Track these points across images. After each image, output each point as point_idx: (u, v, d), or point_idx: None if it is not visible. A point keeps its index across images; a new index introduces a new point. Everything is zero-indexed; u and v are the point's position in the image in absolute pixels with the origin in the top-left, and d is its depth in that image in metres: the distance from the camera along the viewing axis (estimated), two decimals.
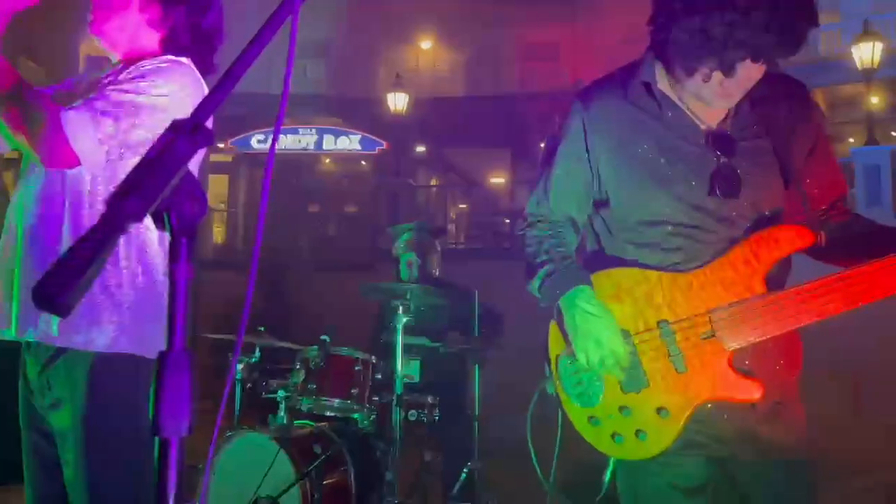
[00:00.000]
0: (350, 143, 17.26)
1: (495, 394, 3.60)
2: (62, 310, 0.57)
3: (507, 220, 16.84)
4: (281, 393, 3.15)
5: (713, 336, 1.40)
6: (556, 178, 1.60)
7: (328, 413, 3.17)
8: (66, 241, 1.47)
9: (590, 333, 1.46)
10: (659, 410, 1.44)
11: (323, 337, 3.10)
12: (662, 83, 1.48)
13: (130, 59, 1.61)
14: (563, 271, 1.54)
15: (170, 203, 0.67)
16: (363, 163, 18.63)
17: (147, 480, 1.42)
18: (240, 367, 3.41)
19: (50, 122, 1.39)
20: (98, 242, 0.60)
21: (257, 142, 16.40)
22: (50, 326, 1.46)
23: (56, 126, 1.39)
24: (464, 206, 19.63)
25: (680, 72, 1.42)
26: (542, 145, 13.87)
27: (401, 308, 3.05)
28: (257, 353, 3.41)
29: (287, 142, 16.92)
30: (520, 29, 16.29)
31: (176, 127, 0.69)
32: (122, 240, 1.48)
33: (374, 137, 17.01)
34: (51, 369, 1.51)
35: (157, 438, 0.67)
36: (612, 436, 1.48)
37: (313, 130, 17.10)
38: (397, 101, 14.69)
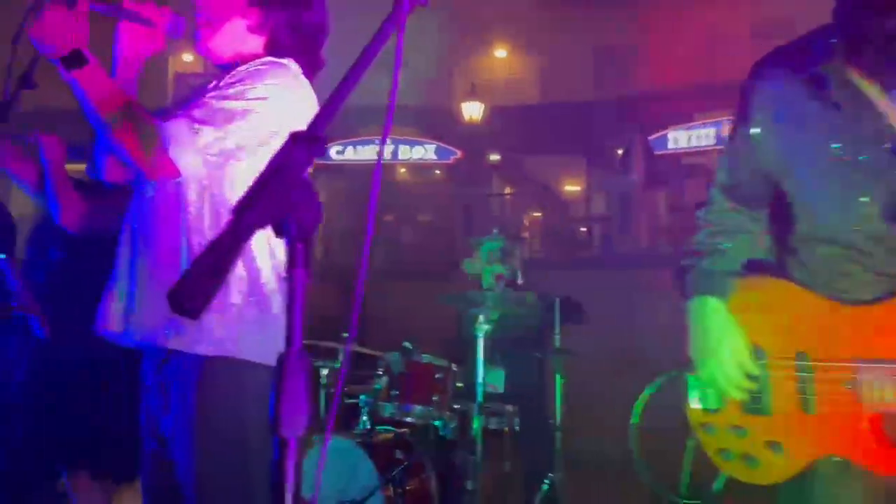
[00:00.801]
0: (425, 152, 17.45)
1: (576, 404, 3.56)
2: (194, 314, 0.60)
3: (584, 229, 16.66)
4: (363, 398, 3.20)
5: (854, 388, 1.24)
6: (727, 162, 1.52)
7: (409, 419, 3.20)
8: (182, 249, 1.53)
9: (707, 349, 1.39)
10: (772, 444, 1.34)
11: (405, 344, 3.14)
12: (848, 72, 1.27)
13: (233, 65, 1.62)
14: (697, 272, 1.45)
15: (288, 211, 0.70)
16: (437, 172, 18.78)
17: (253, 482, 1.47)
18: (324, 372, 3.49)
19: (151, 135, 1.45)
20: (225, 251, 0.63)
21: (336, 153, 16.75)
22: (163, 331, 1.52)
23: (157, 139, 1.45)
24: (538, 214, 19.52)
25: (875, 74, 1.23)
26: (620, 152, 13.67)
27: (482, 317, 3.06)
28: (340, 359, 3.48)
29: (364, 152, 17.23)
30: (596, 35, 16.10)
31: (294, 138, 0.71)
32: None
33: (448, 147, 17.14)
34: (164, 372, 1.57)
35: (275, 438, 0.69)
36: (721, 450, 1.42)
37: (389, 140, 17.36)
38: (472, 111, 14.76)
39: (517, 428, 3.23)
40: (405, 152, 17.98)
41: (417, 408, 3.08)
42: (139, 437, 1.66)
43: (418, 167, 18.36)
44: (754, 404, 1.37)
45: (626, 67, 16.12)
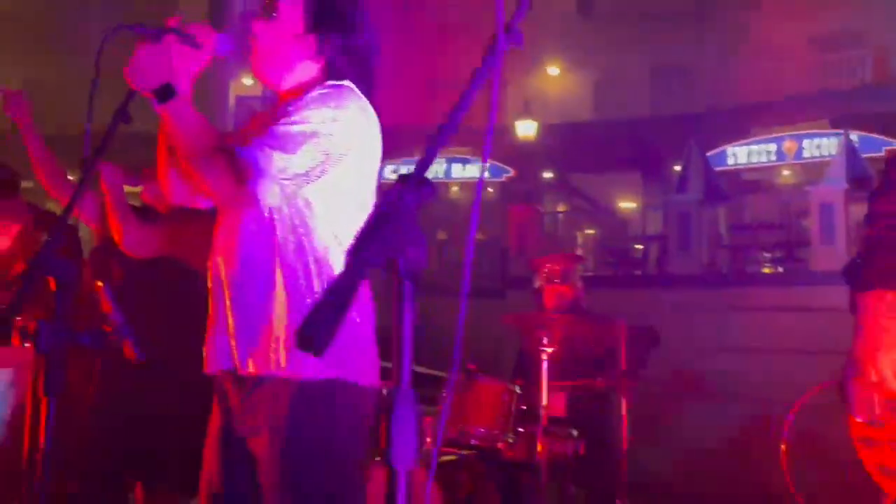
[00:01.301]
0: (478, 170, 17.53)
1: (640, 427, 3.52)
2: (320, 351, 0.63)
3: (640, 247, 16.42)
4: (427, 419, 3.22)
5: None
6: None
7: (473, 441, 3.20)
8: (274, 277, 1.57)
9: (883, 345, 1.33)
10: None
11: (469, 365, 3.15)
12: None
13: (294, 92, 1.68)
14: (876, 264, 1.37)
15: (398, 250, 0.73)
16: (490, 190, 18.83)
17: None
18: (384, 392, 3.52)
19: (235, 165, 1.51)
20: (345, 289, 0.66)
21: (391, 171, 16.95)
22: (257, 356, 1.57)
23: (240, 169, 1.51)
24: (591, 231, 19.34)
25: None
26: (677, 168, 13.47)
27: (546, 339, 3.05)
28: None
29: None
30: (650, 51, 15.97)
31: (403, 180, 0.74)
32: (316, 271, 1.58)
33: (501, 164, 17.18)
34: (254, 397, 1.60)
35: (390, 468, 0.71)
36: (883, 467, 1.35)
37: (442, 159, 17.53)
38: (526, 129, 14.78)
39: (581, 452, 3.20)
40: (458, 170, 18.10)
41: (481, 430, 3.08)
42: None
43: (471, 184, 18.44)
44: None
45: (682, 84, 15.93)
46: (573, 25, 16.87)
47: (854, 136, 11.37)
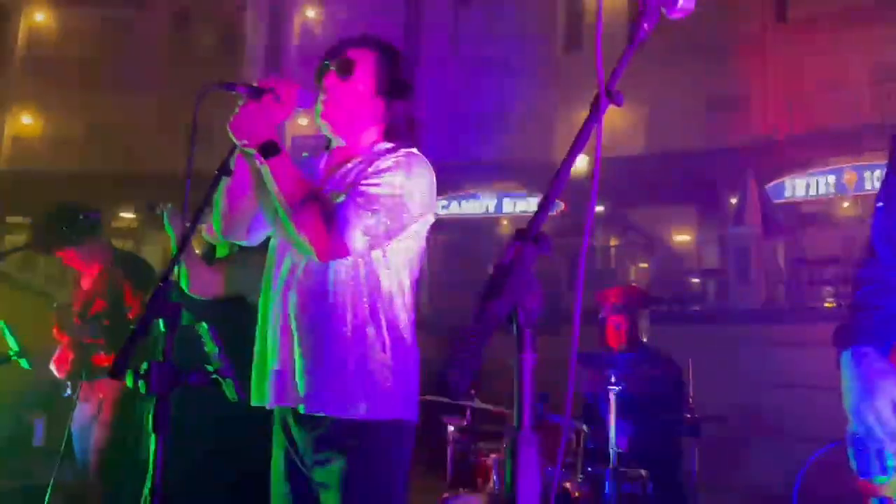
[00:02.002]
0: (528, 205, 17.57)
1: (708, 465, 3.46)
2: (458, 393, 0.69)
3: (696, 280, 16.16)
4: (494, 456, 3.24)
5: None
6: (877, 216, 1.54)
7: None
8: (348, 325, 1.66)
9: (862, 395, 1.36)
10: None
11: (538, 403, 3.16)
12: None
13: (360, 150, 1.80)
14: (853, 325, 1.43)
15: (518, 300, 0.78)
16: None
17: None
18: (450, 428, 3.55)
19: (329, 219, 1.61)
20: (479, 337, 0.71)
21: (441, 207, 17.13)
22: (323, 396, 1.65)
23: (334, 223, 1.60)
24: (644, 265, 19.13)
25: None
26: (733, 201, 13.30)
27: (613, 377, 3.05)
28: (469, 416, 3.54)
29: (469, 207, 17.55)
30: (705, 80, 15.87)
31: (521, 235, 0.80)
32: (380, 317, 1.67)
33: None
34: (318, 434, 1.68)
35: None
36: None
37: (493, 194, 17.63)
38: (578, 164, 14.77)
39: (650, 491, 3.17)
40: (509, 206, 18.17)
41: (548, 468, 3.08)
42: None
43: (521, 219, 18.48)
44: None
45: (738, 115, 15.77)
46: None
47: None
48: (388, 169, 1.68)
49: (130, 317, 3.27)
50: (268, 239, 1.87)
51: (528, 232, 0.79)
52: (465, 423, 3.53)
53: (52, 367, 3.29)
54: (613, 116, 18.95)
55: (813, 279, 12.15)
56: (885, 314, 1.44)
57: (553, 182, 0.86)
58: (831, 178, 13.17)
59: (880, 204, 1.55)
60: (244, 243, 1.89)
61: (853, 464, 1.45)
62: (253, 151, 1.66)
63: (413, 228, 1.73)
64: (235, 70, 18.64)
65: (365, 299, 1.68)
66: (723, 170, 14.56)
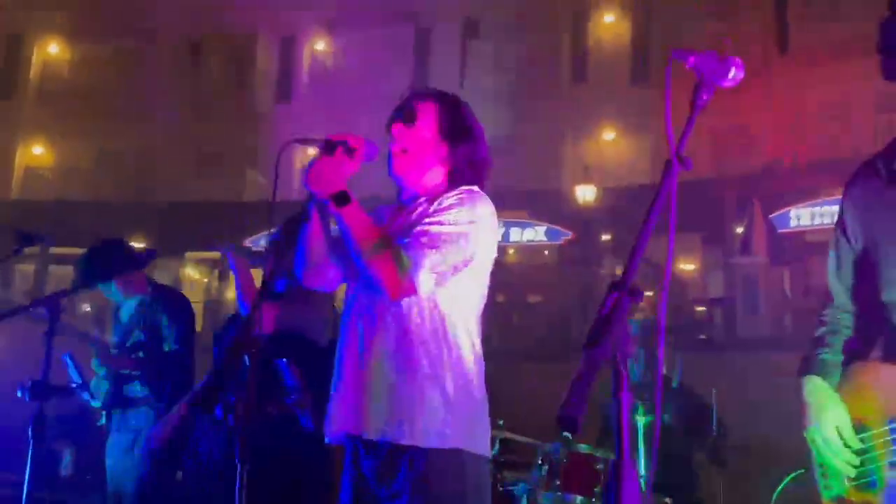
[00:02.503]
0: (536, 234, 17.71)
1: (730, 493, 3.54)
2: (577, 430, 0.79)
3: (702, 308, 16.23)
4: (522, 486, 3.31)
5: None
6: (830, 263, 1.77)
7: None
8: (415, 358, 1.77)
9: (811, 418, 1.61)
10: None
11: (565, 434, 3.24)
12: None
13: (424, 191, 1.93)
14: (809, 358, 1.69)
15: (618, 347, 0.89)
16: (546, 252, 18.95)
17: None
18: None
19: (399, 261, 1.72)
20: (587, 380, 0.82)
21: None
22: (395, 427, 1.74)
23: (404, 264, 1.72)
24: (650, 293, 19.21)
25: None
26: (739, 230, 13.44)
27: (641, 408, 3.14)
28: (497, 446, 3.61)
29: None
30: (709, 114, 16.07)
31: (617, 287, 0.91)
32: (447, 351, 1.78)
33: (559, 228, 17.32)
34: (390, 463, 1.77)
35: None
36: None
37: (501, 223, 17.80)
38: (586, 193, 14.96)
39: None
40: (516, 234, 18.30)
41: (579, 498, 3.15)
42: None
43: (528, 248, 18.59)
44: (868, 478, 1.49)
45: (743, 144, 15.96)
46: (629, 91, 17.16)
47: None
48: (450, 206, 1.80)
49: (166, 349, 3.38)
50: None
51: (624, 284, 0.90)
52: (494, 454, 3.60)
53: (87, 396, 3.38)
54: (620, 147, 19.21)
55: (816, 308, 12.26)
56: (833, 351, 1.70)
57: (638, 239, 0.97)
58: (836, 208, 13.28)
59: (831, 251, 1.73)
60: (322, 288, 1.99)
61: (820, 487, 1.63)
62: (326, 201, 1.77)
63: (476, 263, 1.83)
64: (246, 100, 18.92)
65: (433, 333, 1.79)
66: (728, 199, 14.72)
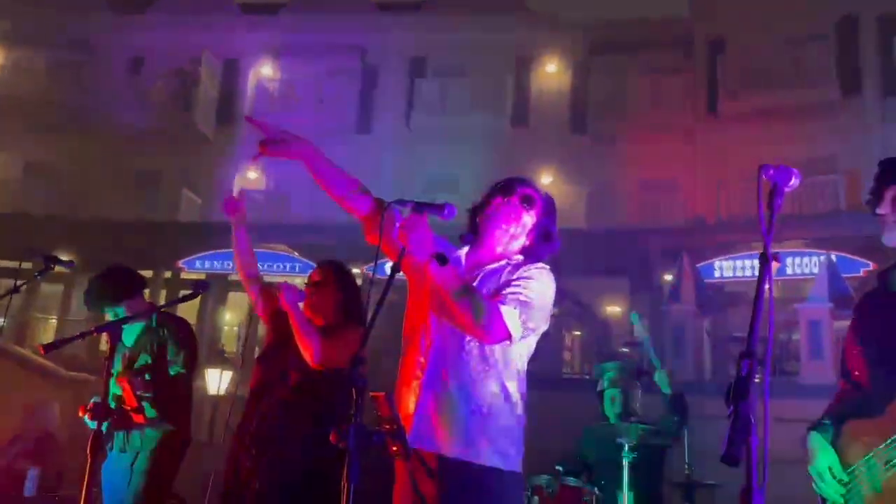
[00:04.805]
0: None
1: None
2: (739, 464, 1.08)
3: (625, 349, 16.92)
4: None
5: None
6: (844, 353, 2.20)
7: None
8: (487, 393, 2.06)
9: (811, 459, 2.09)
10: None
11: (557, 467, 3.53)
12: None
13: (503, 256, 2.26)
14: (815, 423, 2.15)
15: (753, 401, 1.18)
16: None
17: None
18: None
19: (481, 309, 2.00)
20: (743, 425, 1.11)
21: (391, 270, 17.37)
22: (470, 446, 2.00)
23: (486, 312, 2.00)
24: (578, 332, 19.86)
25: None
26: (668, 278, 14.20)
27: (627, 446, 3.46)
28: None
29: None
30: (640, 168, 17.03)
31: (748, 355, 1.20)
32: (508, 388, 2.05)
33: None
34: (455, 480, 2.02)
35: None
36: None
37: None
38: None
39: None
40: None
41: None
42: None
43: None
44: (852, 501, 1.99)
45: (670, 199, 16.90)
46: (567, 140, 17.94)
47: (833, 256, 12.20)
48: (533, 278, 2.15)
49: (172, 373, 3.49)
50: None
51: (752, 351, 1.20)
52: None
53: (84, 416, 3.43)
54: (558, 192, 19.89)
55: (731, 357, 13.10)
56: (832, 418, 2.14)
57: (752, 317, 1.28)
58: (755, 262, 14.25)
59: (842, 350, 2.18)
60: None
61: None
62: (423, 261, 2.03)
63: (542, 329, 2.19)
64: (186, 121, 18.68)
65: (495, 371, 2.10)
66: (655, 248, 15.53)
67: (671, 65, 17.58)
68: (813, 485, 2.09)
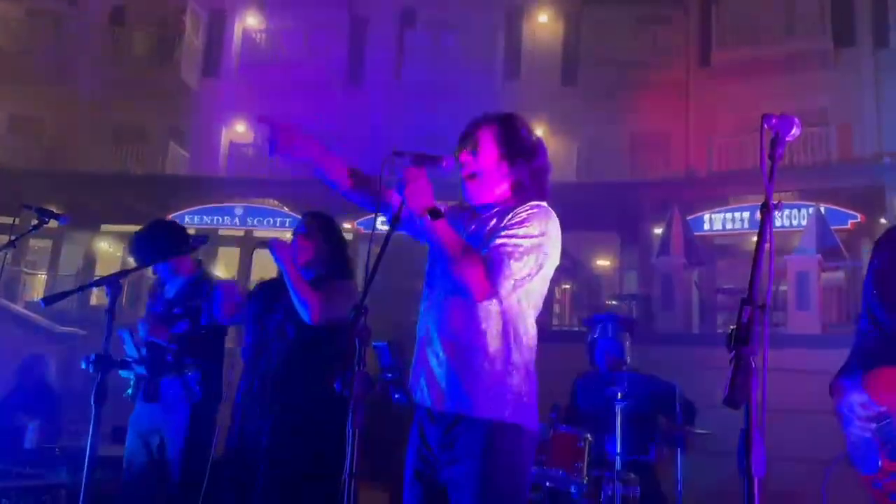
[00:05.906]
0: None
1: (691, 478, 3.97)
2: (740, 406, 1.10)
3: (614, 303, 17.08)
4: None
5: None
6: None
7: (548, 483, 3.62)
8: (486, 347, 2.06)
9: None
10: None
11: (551, 414, 3.60)
12: None
13: (493, 203, 2.20)
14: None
15: (757, 341, 1.20)
16: None
17: None
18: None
19: (482, 266, 2.00)
20: (744, 369, 1.13)
21: (381, 223, 17.33)
22: (465, 399, 2.02)
23: (485, 269, 1.99)
24: (567, 286, 20.00)
25: None
26: (657, 231, 14.27)
27: (620, 394, 3.52)
28: None
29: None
30: (631, 121, 16.93)
31: (749, 301, 1.22)
32: (511, 339, 2.06)
33: None
34: (454, 432, 2.05)
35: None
36: None
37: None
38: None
39: (637, 495, 3.64)
40: None
41: (561, 472, 3.50)
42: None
43: None
44: None
45: (661, 152, 16.85)
46: (558, 93, 17.77)
47: (822, 208, 12.27)
48: (524, 221, 2.08)
49: (203, 331, 3.49)
50: None
51: (753, 299, 1.22)
52: None
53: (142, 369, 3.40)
54: (549, 146, 19.76)
55: (727, 307, 13.25)
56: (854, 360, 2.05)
57: (753, 264, 1.29)
58: (745, 215, 14.34)
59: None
60: None
61: (856, 466, 1.98)
62: (420, 214, 2.01)
63: (544, 271, 2.12)
64: (170, 72, 18.33)
65: (500, 326, 2.07)
66: (646, 202, 15.54)
67: (664, 16, 17.35)
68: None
